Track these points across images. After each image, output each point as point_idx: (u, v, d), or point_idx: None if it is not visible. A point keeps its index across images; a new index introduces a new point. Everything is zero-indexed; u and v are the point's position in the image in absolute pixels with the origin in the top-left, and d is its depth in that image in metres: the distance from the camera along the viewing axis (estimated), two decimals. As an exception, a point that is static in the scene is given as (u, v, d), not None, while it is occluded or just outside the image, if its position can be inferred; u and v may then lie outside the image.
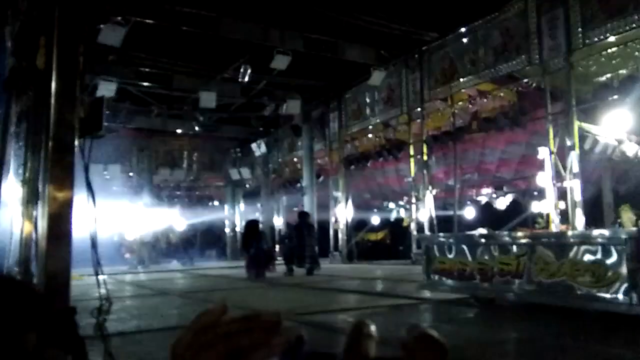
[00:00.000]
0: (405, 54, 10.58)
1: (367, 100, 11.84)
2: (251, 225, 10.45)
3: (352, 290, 6.23)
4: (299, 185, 14.34)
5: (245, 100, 12.47)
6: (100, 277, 2.31)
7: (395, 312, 4.29)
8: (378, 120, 11.70)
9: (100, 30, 7.69)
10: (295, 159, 14.99)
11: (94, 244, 2.43)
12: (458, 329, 3.52)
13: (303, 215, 10.53)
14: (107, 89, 9.44)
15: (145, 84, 11.35)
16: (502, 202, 14.20)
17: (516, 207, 13.24)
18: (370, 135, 12.18)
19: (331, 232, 12.89)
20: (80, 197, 2.43)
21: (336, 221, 12.76)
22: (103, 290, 2.26)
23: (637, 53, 7.13)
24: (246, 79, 10.12)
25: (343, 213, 12.55)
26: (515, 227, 11.14)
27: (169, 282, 8.85)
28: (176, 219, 16.89)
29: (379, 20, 9.15)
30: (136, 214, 14.64)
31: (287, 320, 0.41)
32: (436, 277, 4.43)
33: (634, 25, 6.94)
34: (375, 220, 16.32)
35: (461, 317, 4.00)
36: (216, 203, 18.76)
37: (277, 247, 13.63)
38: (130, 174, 16.00)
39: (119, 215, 13.71)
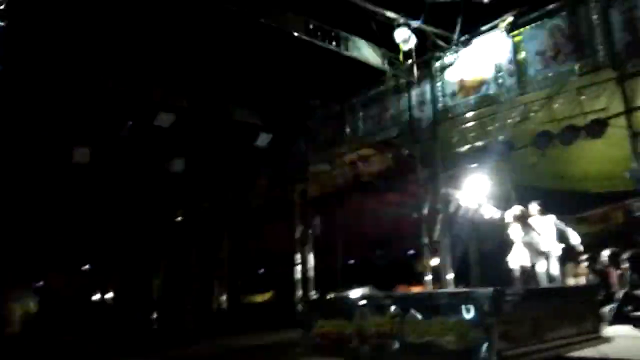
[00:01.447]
0: (293, 121, 10.98)
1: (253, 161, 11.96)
2: None
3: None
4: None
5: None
6: None
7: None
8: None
9: None
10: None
11: None
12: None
13: None
14: None
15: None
16: (383, 260, 14.84)
17: (396, 265, 13.92)
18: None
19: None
20: None
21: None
22: None
23: (489, 127, 8.12)
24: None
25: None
26: (395, 285, 11.65)
27: None
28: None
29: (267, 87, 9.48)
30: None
31: None
32: (316, 341, 4.40)
33: (486, 103, 7.99)
34: (261, 280, 16.02)
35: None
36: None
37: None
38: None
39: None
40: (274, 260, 15.02)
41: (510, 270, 8.82)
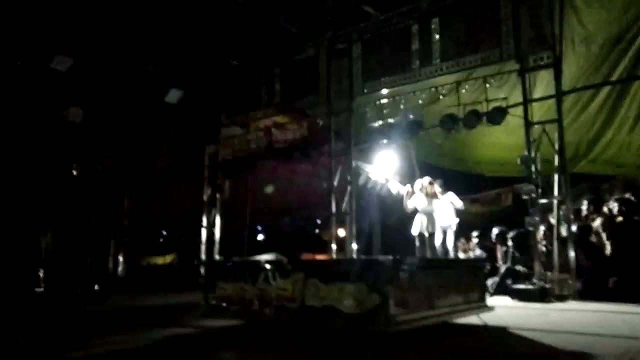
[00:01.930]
0: (207, 77, 10.53)
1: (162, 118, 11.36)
2: None
3: (118, 322, 5.66)
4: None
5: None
6: None
7: (167, 344, 4.06)
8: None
9: None
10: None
11: None
12: (223, 357, 3.48)
13: None
14: None
15: None
16: (291, 228, 15.03)
17: (304, 234, 14.17)
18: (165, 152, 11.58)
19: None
20: None
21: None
22: None
23: (402, 106, 8.40)
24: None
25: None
26: (301, 253, 11.87)
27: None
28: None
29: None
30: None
31: None
32: (216, 303, 4.37)
33: (401, 82, 8.23)
34: (163, 242, 15.55)
35: (233, 345, 3.97)
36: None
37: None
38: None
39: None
40: (179, 222, 14.60)
41: (410, 243, 9.42)
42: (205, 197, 10.52)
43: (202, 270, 9.78)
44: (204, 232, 10.50)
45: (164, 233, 14.84)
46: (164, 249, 15.17)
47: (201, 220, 10.52)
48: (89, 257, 9.73)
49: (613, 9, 7.68)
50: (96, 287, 9.99)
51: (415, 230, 8.28)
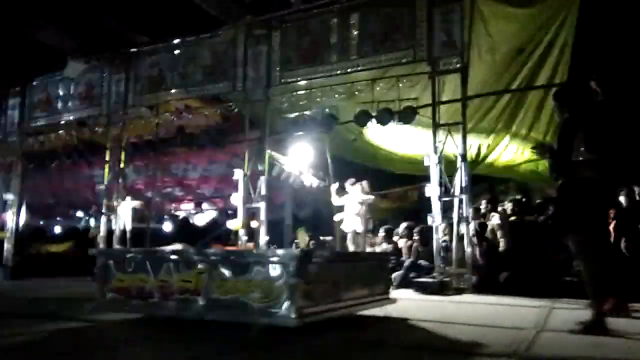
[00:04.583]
0: (112, 51, 9.81)
1: (61, 92, 10.43)
2: None
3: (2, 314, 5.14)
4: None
5: None
6: None
7: (56, 339, 3.73)
8: (72, 118, 10.41)
9: None
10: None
11: None
12: (118, 353, 3.26)
13: None
14: None
15: None
16: (201, 219, 14.59)
17: (214, 224, 13.80)
18: (61, 132, 10.67)
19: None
20: None
21: (3, 228, 10.70)
22: None
23: (318, 99, 8.41)
24: None
25: (13, 219, 10.61)
26: (210, 244, 11.55)
27: None
28: None
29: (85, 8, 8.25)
30: None
31: None
32: (113, 295, 4.07)
33: (318, 75, 8.24)
34: (58, 229, 14.41)
35: (129, 339, 3.73)
36: None
37: None
38: None
39: None
40: (77, 208, 13.61)
41: (321, 235, 9.81)
42: (106, 182, 9.84)
43: (98, 260, 9.15)
44: (103, 219, 9.83)
45: (59, 219, 13.73)
46: (59, 236, 14.06)
47: (101, 207, 9.84)
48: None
49: (516, 22, 8.27)
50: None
51: (347, 227, 8.79)
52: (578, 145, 3.60)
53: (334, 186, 9.39)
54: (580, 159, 3.59)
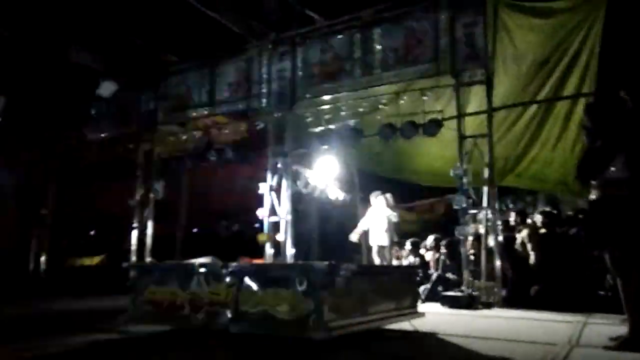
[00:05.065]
0: (142, 71, 10.12)
1: (93, 111, 10.79)
2: None
3: (37, 326, 5.29)
4: None
5: None
6: None
7: (89, 350, 3.84)
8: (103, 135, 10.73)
9: None
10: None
11: None
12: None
13: None
14: None
15: None
16: (228, 232, 14.74)
17: (241, 237, 13.93)
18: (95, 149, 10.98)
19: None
20: None
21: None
22: None
23: (342, 113, 8.49)
24: None
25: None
26: (238, 257, 11.66)
27: None
28: None
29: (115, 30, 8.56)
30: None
31: None
32: (145, 308, 4.18)
33: (342, 90, 8.32)
34: (92, 242, 14.74)
35: (160, 351, 3.81)
36: None
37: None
38: None
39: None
40: (109, 222, 13.93)
41: (347, 249, 9.86)
42: (137, 197, 10.10)
43: (131, 273, 9.37)
44: (135, 233, 10.07)
45: (92, 233, 14.07)
46: (92, 249, 14.40)
47: (132, 221, 10.09)
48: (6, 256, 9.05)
49: (541, 32, 8.20)
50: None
51: (373, 241, 8.79)
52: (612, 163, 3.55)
53: (382, 198, 9.25)
54: (614, 176, 3.54)
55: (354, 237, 9.26)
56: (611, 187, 3.55)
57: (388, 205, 9.08)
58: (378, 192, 9.24)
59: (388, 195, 9.19)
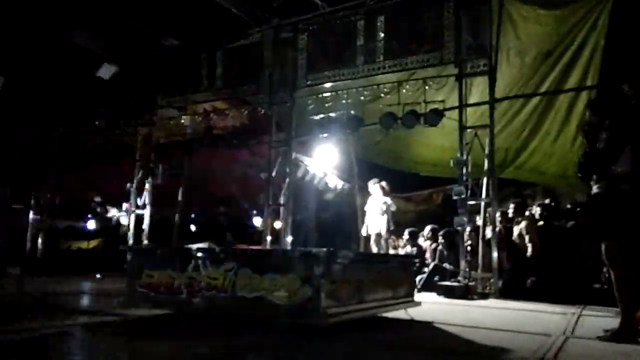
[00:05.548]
0: (142, 54, 10.03)
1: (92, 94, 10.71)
2: None
3: (33, 307, 5.29)
4: None
5: None
6: None
7: (84, 332, 3.85)
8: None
9: None
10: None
11: None
12: (153, 347, 3.34)
13: None
14: None
15: None
16: (225, 218, 14.75)
17: (239, 223, 13.96)
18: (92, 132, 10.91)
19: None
20: None
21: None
22: None
23: (343, 101, 8.44)
24: None
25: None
26: (235, 243, 11.69)
27: None
28: None
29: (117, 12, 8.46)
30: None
31: None
32: (142, 291, 4.18)
33: (344, 77, 8.27)
34: (90, 226, 14.75)
35: (159, 334, 3.83)
36: None
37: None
38: None
39: None
40: (106, 205, 13.90)
41: (343, 237, 9.84)
42: (135, 181, 10.07)
43: (128, 257, 9.38)
44: (132, 217, 10.06)
45: (90, 216, 14.04)
46: (89, 232, 14.39)
47: (130, 205, 10.08)
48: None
49: (546, 25, 8.13)
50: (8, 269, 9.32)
51: (370, 229, 8.83)
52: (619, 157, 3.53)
53: (379, 185, 9.24)
54: (619, 170, 3.53)
55: (364, 231, 9.33)
56: (617, 181, 3.54)
57: (385, 193, 9.07)
58: (375, 180, 9.23)
59: (384, 183, 9.16)
